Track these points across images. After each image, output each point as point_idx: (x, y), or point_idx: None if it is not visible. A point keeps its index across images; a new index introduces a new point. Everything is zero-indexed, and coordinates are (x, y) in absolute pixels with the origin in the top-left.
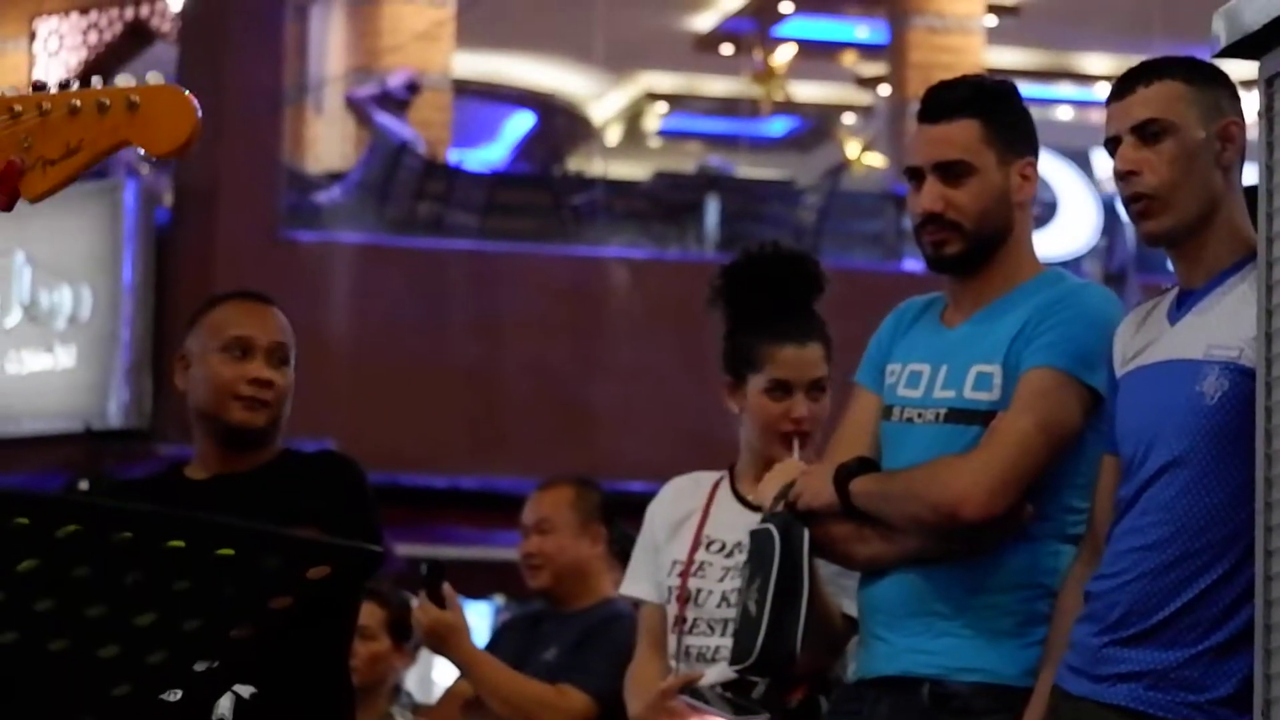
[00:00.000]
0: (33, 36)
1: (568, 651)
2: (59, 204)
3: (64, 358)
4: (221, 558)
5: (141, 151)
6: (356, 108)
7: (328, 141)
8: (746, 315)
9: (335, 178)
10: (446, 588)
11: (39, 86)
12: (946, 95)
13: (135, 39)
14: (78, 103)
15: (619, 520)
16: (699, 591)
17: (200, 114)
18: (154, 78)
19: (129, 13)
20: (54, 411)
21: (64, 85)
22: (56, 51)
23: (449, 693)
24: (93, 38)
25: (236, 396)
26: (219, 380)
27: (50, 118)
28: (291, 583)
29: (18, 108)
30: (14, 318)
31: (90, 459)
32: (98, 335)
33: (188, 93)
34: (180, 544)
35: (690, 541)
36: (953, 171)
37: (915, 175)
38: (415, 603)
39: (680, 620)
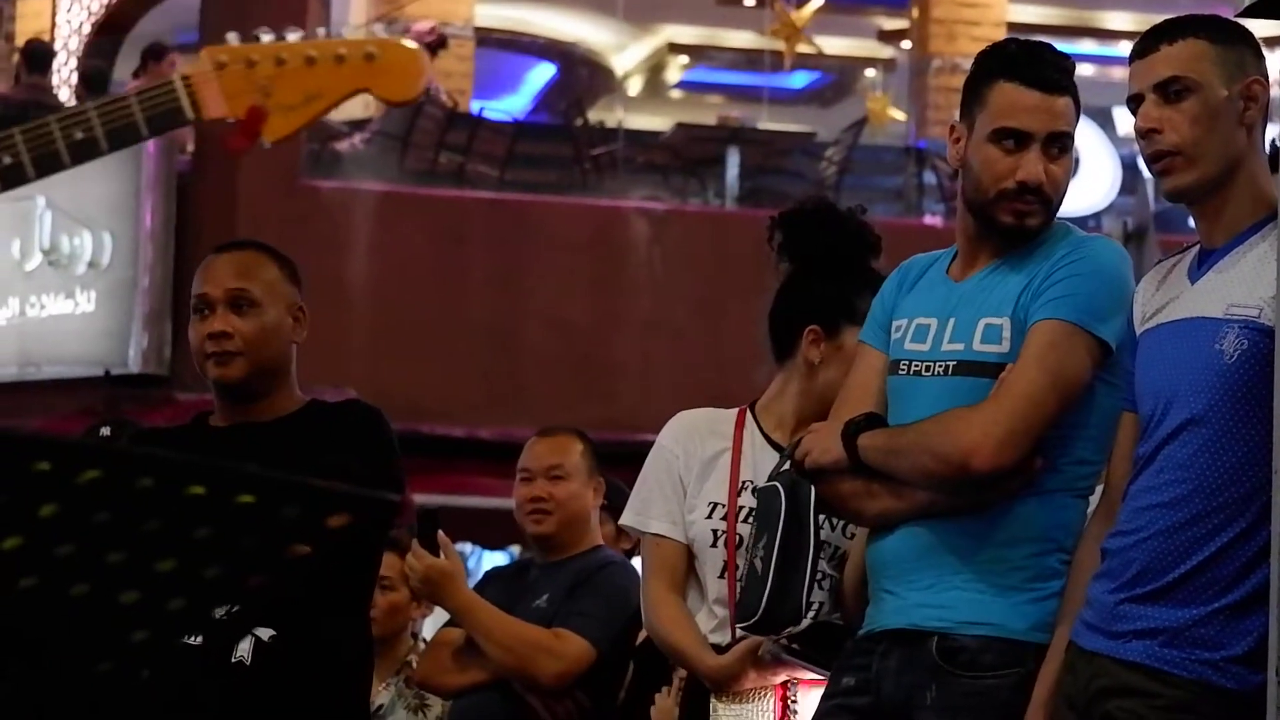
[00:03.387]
0: None
1: (561, 598)
2: None
3: (84, 303)
4: (242, 505)
5: (376, 98)
6: None
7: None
8: (814, 266)
9: (356, 126)
10: (440, 535)
11: (254, 39)
12: None
13: None
14: (314, 54)
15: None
16: None
17: (430, 69)
18: (383, 32)
19: None
20: (74, 356)
21: (280, 37)
22: None
23: (437, 641)
24: None
25: (206, 355)
26: (191, 343)
27: (287, 67)
28: (311, 531)
29: (254, 57)
30: (35, 262)
31: (109, 404)
32: (118, 281)
33: (419, 48)
34: (201, 491)
35: (727, 483)
36: None
37: None
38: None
39: (732, 566)
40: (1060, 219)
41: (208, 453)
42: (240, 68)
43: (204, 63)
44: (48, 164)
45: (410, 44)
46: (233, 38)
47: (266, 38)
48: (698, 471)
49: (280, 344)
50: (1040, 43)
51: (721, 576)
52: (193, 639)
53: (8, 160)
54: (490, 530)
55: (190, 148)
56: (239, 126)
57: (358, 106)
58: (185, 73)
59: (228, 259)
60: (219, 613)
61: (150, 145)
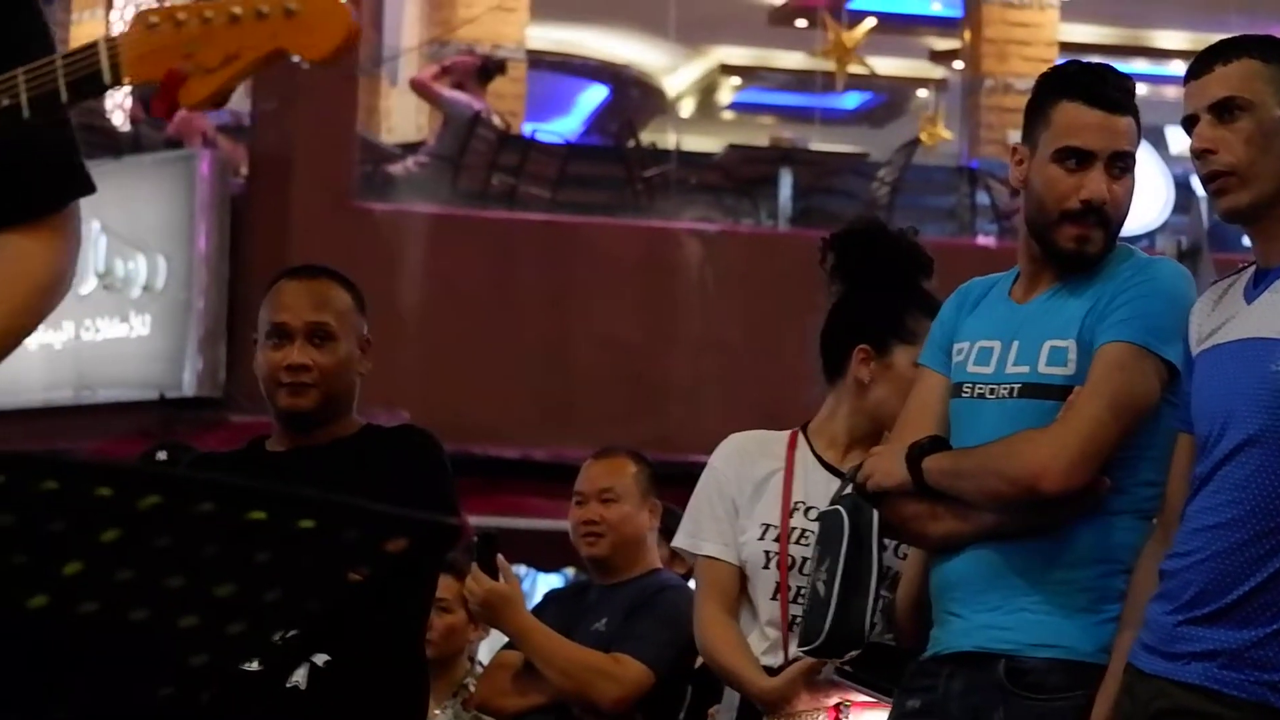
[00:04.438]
0: (110, 6)
1: (620, 621)
2: (134, 173)
3: (139, 326)
4: (301, 530)
5: (296, 58)
6: (422, 90)
7: (402, 112)
8: (866, 286)
9: (409, 148)
10: (499, 558)
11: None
12: None
13: None
14: (238, 10)
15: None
16: (804, 560)
17: (355, 21)
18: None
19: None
20: (129, 379)
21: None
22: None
23: (496, 664)
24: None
25: (279, 384)
26: (264, 368)
27: (212, 25)
28: (369, 555)
29: (181, 16)
30: (89, 286)
31: (164, 427)
32: (172, 304)
33: (344, 1)
34: (261, 515)
35: (779, 504)
36: None
37: None
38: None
39: (784, 588)
40: (1121, 241)
41: (266, 477)
42: (168, 28)
43: (135, 24)
44: None
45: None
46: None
47: None
48: (749, 493)
49: (351, 375)
50: (1102, 64)
51: (774, 598)
52: (251, 664)
53: None
54: (545, 552)
55: (244, 170)
56: (158, 90)
57: (410, 129)
58: (113, 35)
59: (303, 287)
60: (278, 637)
61: (204, 167)
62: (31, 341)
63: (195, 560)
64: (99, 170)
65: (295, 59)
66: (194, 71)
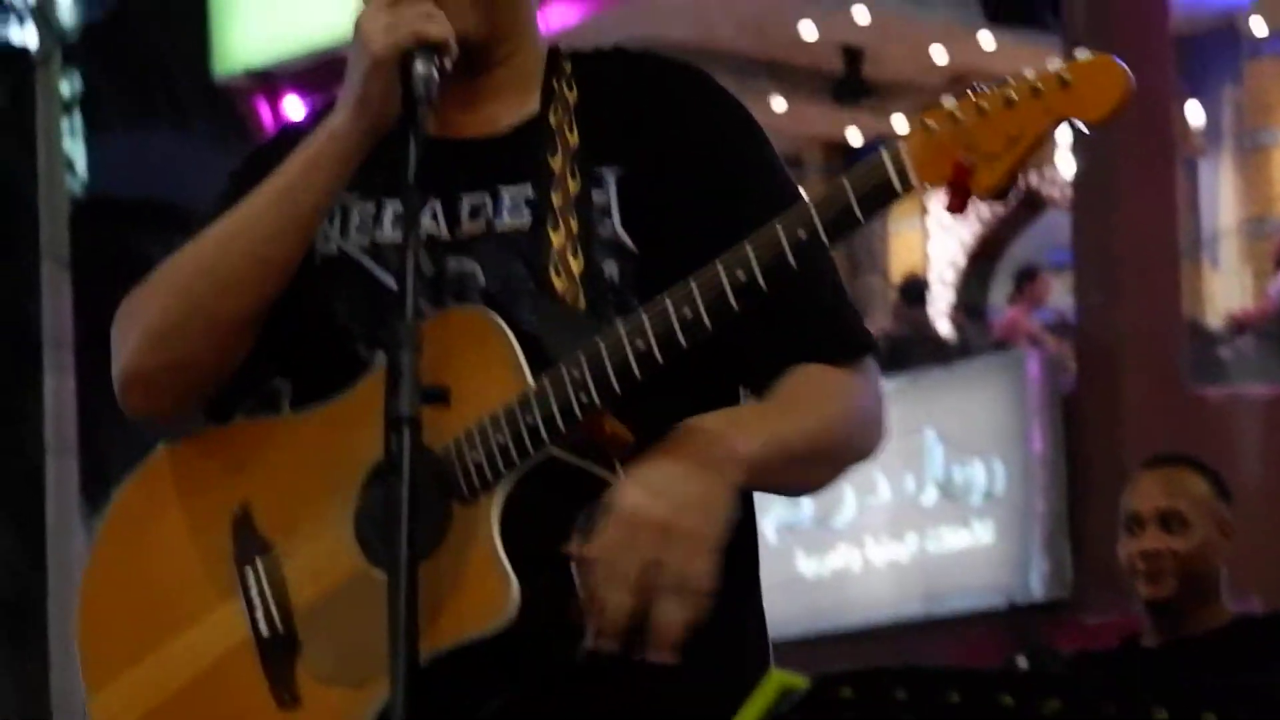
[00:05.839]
0: (925, 213)
1: None
2: (964, 379)
3: (982, 533)
4: None
5: (1080, 124)
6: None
7: (1226, 293)
8: None
9: (1238, 329)
10: None
11: (974, 89)
12: None
13: (1028, 208)
14: (1013, 95)
15: None
16: None
17: (1129, 76)
18: (1081, 54)
19: (1022, 183)
20: (975, 587)
21: (1000, 85)
22: (949, 227)
23: None
24: (985, 211)
25: (1136, 572)
26: (1122, 560)
27: (988, 115)
28: None
29: (959, 114)
30: (930, 496)
31: (1013, 633)
32: (1013, 507)
33: (1116, 58)
34: (1164, 716)
35: None
36: None
37: None
38: None
39: None
40: None
41: (1143, 674)
42: (948, 127)
43: (915, 130)
44: (775, 268)
45: (1107, 55)
46: (948, 100)
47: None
48: None
49: (1210, 561)
50: None
51: None
52: None
53: (741, 275)
54: None
55: (1072, 366)
56: (949, 187)
57: (1235, 309)
58: (896, 142)
59: (1156, 475)
60: None
61: (1033, 367)
62: (878, 558)
63: None
64: (929, 379)
65: (1078, 124)
66: (979, 161)
